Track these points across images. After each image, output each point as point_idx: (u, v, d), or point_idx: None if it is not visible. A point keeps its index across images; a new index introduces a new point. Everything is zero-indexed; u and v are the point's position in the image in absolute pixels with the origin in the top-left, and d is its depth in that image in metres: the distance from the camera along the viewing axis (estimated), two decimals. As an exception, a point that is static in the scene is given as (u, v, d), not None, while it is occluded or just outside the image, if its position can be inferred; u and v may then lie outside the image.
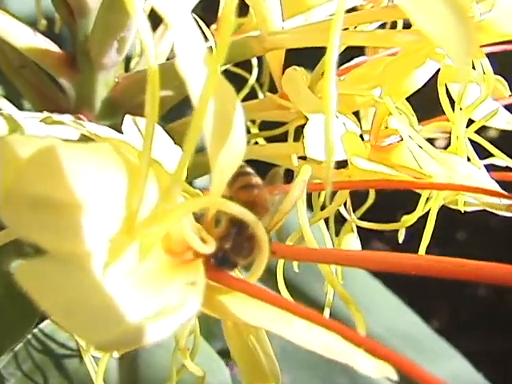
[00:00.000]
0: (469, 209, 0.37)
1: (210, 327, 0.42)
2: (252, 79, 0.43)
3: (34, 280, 0.16)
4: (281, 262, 0.30)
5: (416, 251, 0.34)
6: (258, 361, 0.24)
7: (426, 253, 0.34)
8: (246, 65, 0.45)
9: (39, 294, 0.15)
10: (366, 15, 0.31)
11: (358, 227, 0.38)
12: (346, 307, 0.24)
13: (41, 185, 0.17)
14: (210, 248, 0.20)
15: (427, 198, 0.33)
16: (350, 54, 0.36)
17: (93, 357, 0.35)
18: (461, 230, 1.12)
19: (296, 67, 0.31)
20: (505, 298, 1.11)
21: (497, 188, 0.29)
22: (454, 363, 0.67)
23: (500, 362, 0.94)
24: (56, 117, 0.31)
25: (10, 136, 0.18)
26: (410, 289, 0.67)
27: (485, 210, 0.34)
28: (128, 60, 0.40)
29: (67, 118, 0.32)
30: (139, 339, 0.17)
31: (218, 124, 0.21)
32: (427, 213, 0.33)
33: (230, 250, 0.22)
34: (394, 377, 0.20)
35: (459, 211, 0.34)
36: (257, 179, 0.24)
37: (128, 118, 0.25)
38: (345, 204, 0.36)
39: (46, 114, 0.31)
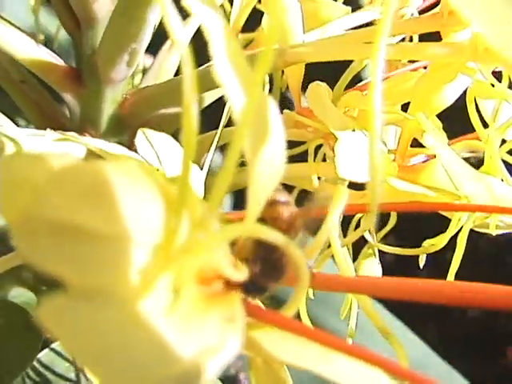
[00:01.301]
0: (496, 232, 0.35)
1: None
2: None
3: (60, 320, 0.13)
4: (302, 293, 0.27)
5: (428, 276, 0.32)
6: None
7: (413, 274, 0.32)
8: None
9: (68, 336, 0.13)
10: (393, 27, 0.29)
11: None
12: (387, 341, 0.21)
13: (65, 208, 0.14)
14: (242, 275, 0.18)
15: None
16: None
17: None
18: (450, 250, 1.11)
19: (319, 82, 0.29)
20: (497, 320, 1.10)
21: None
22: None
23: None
24: (60, 134, 0.29)
25: (21, 153, 0.16)
26: (400, 312, 0.65)
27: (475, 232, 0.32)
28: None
29: (72, 134, 0.30)
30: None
31: (257, 139, 0.19)
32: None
33: (259, 274, 0.19)
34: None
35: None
36: (286, 196, 0.22)
37: (141, 133, 0.23)
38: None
39: (49, 131, 0.29)
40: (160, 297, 0.16)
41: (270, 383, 0.22)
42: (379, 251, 0.35)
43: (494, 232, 0.34)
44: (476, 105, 0.31)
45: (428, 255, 0.34)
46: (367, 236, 0.33)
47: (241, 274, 0.18)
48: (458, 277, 0.31)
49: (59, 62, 0.33)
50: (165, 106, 0.33)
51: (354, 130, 0.26)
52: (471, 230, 0.30)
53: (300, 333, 0.20)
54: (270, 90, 0.42)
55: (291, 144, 0.35)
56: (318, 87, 0.28)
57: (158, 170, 0.23)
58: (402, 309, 0.64)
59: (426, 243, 0.34)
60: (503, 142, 0.30)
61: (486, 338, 1.08)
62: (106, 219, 0.16)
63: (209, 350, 0.15)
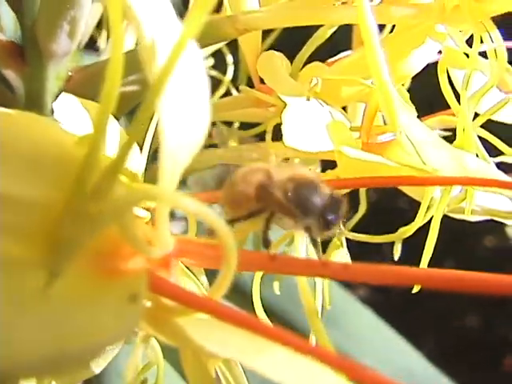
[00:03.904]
0: (473, 218, 0.32)
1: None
2: (227, 78, 0.38)
3: None
4: (257, 277, 0.25)
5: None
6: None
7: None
8: (221, 65, 0.40)
9: None
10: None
11: (347, 242, 0.33)
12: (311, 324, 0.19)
13: None
14: (156, 252, 0.15)
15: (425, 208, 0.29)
16: (332, 49, 0.32)
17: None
18: (448, 259, 1.09)
19: (273, 51, 0.27)
20: (494, 329, 1.08)
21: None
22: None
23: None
24: None
25: None
26: (397, 320, 0.63)
27: (472, 241, 0.29)
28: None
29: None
30: (53, 367, 0.12)
31: (176, 98, 0.16)
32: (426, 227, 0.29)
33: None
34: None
35: (446, 240, 0.30)
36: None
37: (62, 97, 0.20)
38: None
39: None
40: (46, 269, 0.13)
41: (202, 376, 0.19)
42: (373, 256, 0.32)
43: (469, 217, 0.31)
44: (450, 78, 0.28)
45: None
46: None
47: (155, 250, 0.16)
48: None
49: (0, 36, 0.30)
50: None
51: (308, 99, 0.24)
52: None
53: (232, 320, 0.17)
54: (236, 71, 0.39)
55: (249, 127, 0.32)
56: (271, 54, 0.26)
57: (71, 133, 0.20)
58: (400, 318, 0.62)
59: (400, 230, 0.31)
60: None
61: (483, 348, 1.05)
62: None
63: (96, 330, 0.13)
